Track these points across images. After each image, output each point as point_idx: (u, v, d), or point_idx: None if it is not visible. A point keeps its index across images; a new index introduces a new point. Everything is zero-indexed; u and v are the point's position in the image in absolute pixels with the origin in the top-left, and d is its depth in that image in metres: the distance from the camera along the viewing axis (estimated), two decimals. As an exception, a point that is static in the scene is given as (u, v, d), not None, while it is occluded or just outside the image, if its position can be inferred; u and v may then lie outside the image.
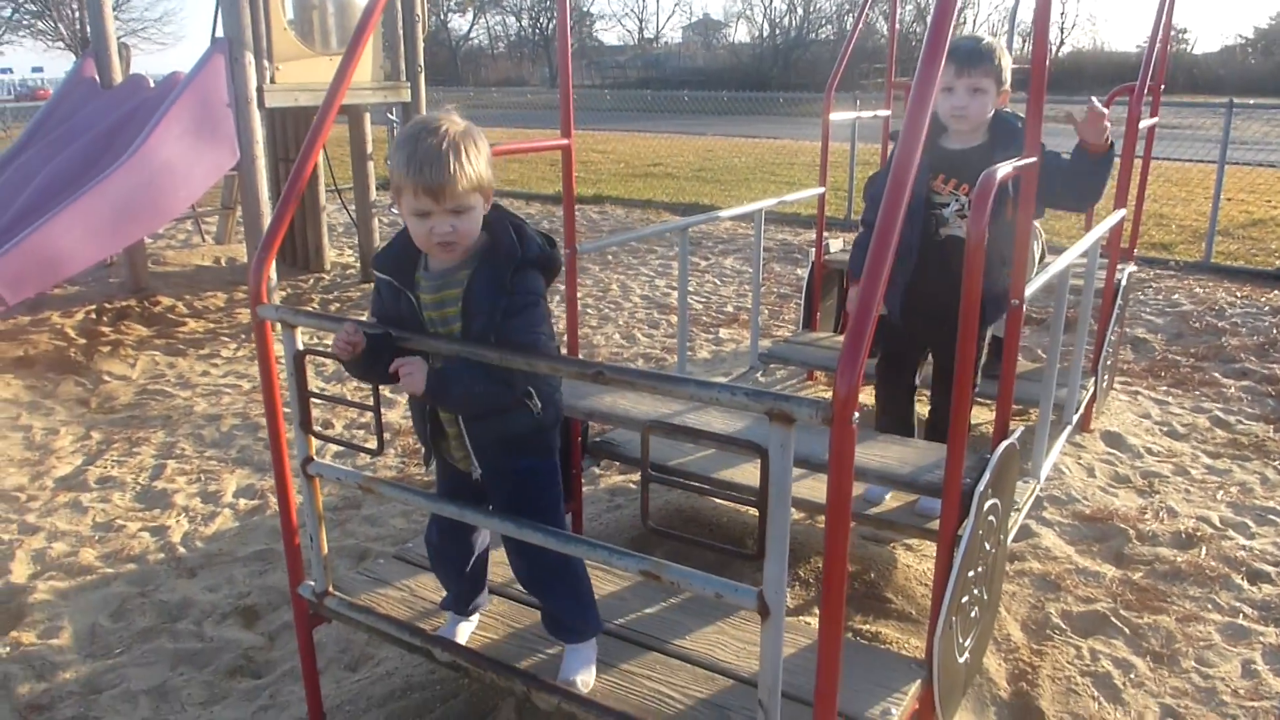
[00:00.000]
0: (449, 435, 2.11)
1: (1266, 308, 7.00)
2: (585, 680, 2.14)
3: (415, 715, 2.46)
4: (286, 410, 2.20)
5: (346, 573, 2.74)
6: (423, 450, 2.20)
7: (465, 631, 2.34)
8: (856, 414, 1.54)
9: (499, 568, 2.45)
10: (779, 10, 53.27)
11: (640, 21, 60.73)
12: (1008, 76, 2.92)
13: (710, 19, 61.99)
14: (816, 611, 2.95)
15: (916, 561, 3.26)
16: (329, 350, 2.00)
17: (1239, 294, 7.43)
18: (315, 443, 2.26)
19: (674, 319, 6.42)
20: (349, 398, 4.74)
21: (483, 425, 2.06)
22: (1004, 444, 2.39)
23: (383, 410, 4.36)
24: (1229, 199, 10.57)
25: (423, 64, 7.36)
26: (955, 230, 2.91)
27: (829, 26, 49.54)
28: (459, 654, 2.21)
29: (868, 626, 2.86)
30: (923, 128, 1.66)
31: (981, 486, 2.22)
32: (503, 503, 2.13)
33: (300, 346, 2.16)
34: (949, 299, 2.27)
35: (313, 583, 2.40)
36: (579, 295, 7.08)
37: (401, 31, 7.16)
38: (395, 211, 8.22)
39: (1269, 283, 7.91)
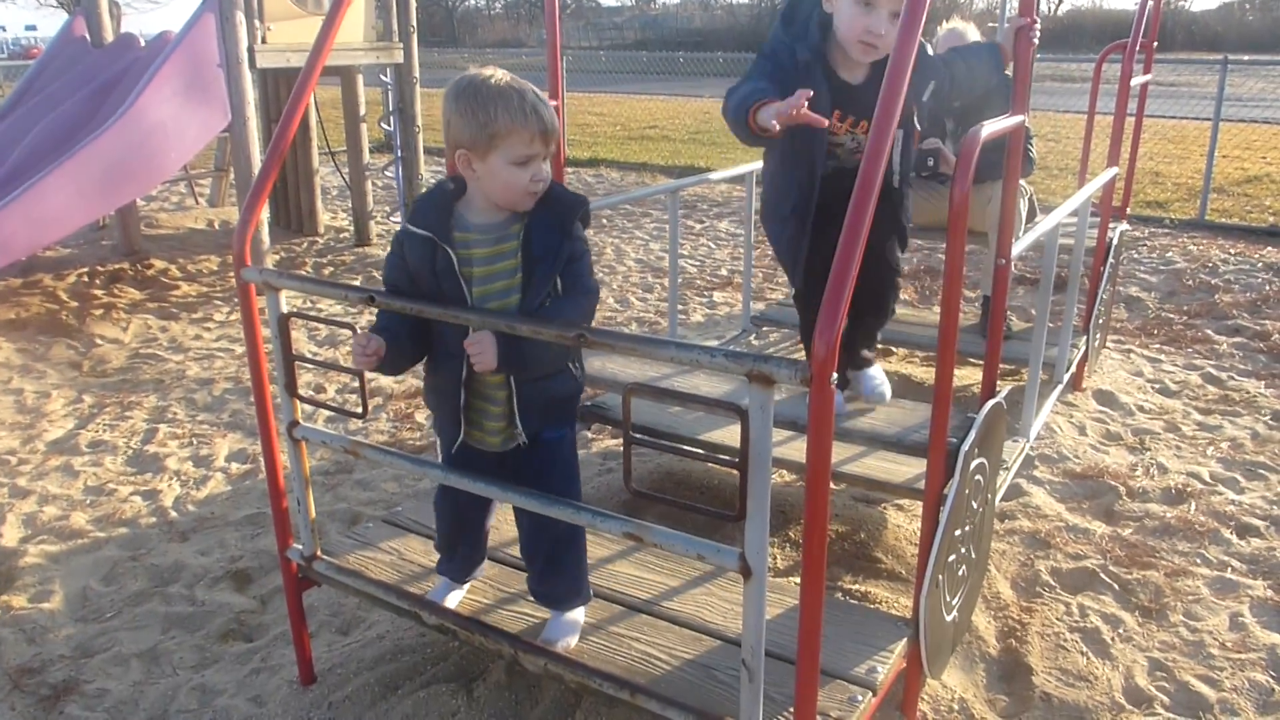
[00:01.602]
0: (490, 405, 2.04)
1: (1260, 264, 6.98)
2: (567, 645, 2.15)
3: (405, 678, 2.47)
4: (276, 374, 2.19)
5: (337, 536, 2.75)
6: (445, 431, 2.13)
7: (456, 597, 2.35)
8: (835, 375, 1.54)
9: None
10: (776, -32, 52.41)
11: (637, -19, 59.82)
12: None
13: (708, -22, 61.07)
14: (806, 571, 2.96)
15: (907, 521, 3.27)
16: (319, 316, 1.99)
17: (1232, 251, 7.41)
18: (305, 407, 2.25)
19: (668, 282, 6.40)
20: (341, 362, 4.73)
21: (533, 389, 2.02)
22: (990, 403, 2.39)
23: (370, 375, 4.36)
24: (1224, 156, 10.51)
25: (416, 24, 7.27)
26: (848, 164, 2.62)
27: (826, -16, 48.92)
28: (447, 618, 2.22)
29: (857, 586, 2.88)
30: (910, 57, 1.64)
31: (967, 446, 2.22)
32: (533, 475, 2.08)
33: (285, 309, 2.14)
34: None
35: (300, 546, 2.41)
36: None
37: (392, -10, 7.07)
38: (389, 174, 8.20)
39: (1262, 239, 7.89)
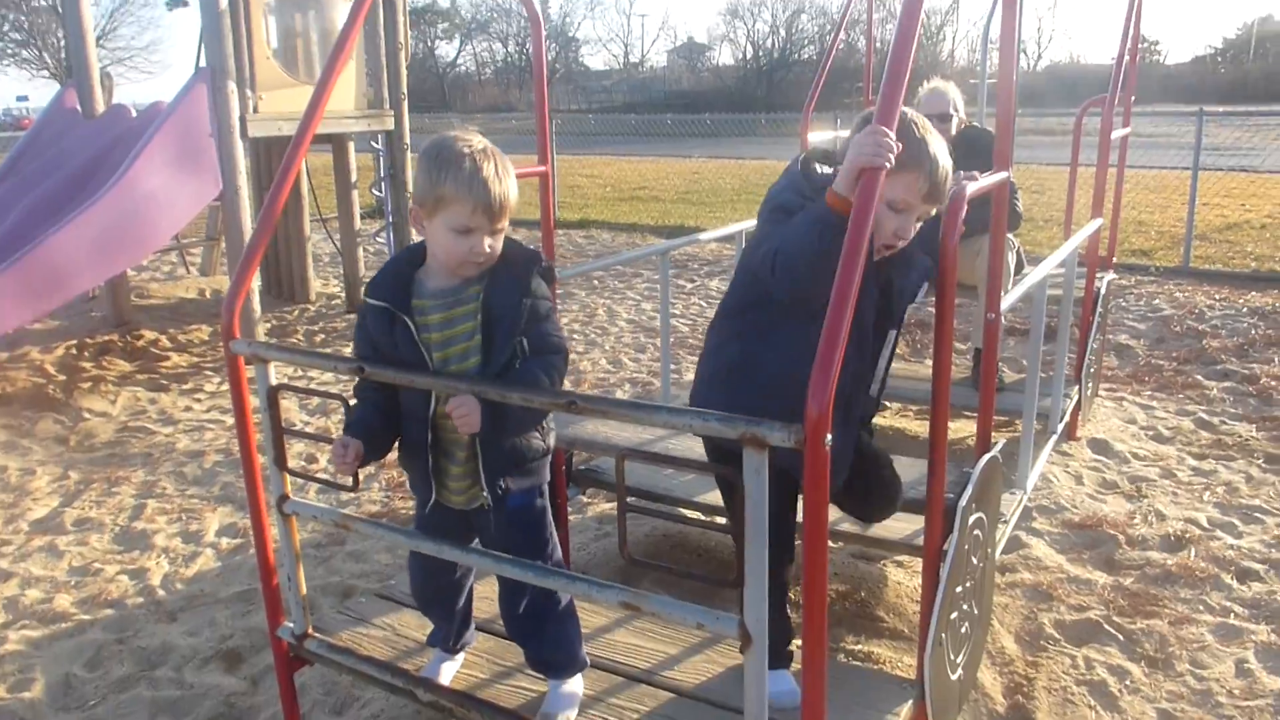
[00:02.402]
0: (451, 465, 2.05)
1: (1245, 309, 7.03)
2: (566, 718, 2.10)
3: (401, 755, 2.41)
4: (266, 447, 2.16)
5: (329, 612, 2.70)
6: (419, 490, 2.13)
7: (450, 670, 2.30)
8: (829, 436, 1.53)
9: (481, 603, 2.42)
10: (762, 32, 53.48)
11: (625, 46, 61.15)
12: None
13: (694, 42, 62.34)
14: (807, 632, 2.91)
15: (907, 578, 3.24)
16: (309, 388, 1.99)
17: (1217, 296, 7.47)
18: (296, 479, 2.23)
19: (660, 342, 6.40)
20: (332, 433, 4.70)
21: (498, 451, 2.02)
22: (985, 457, 2.38)
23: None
24: (1205, 204, 10.65)
25: (406, 91, 7.37)
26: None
27: (811, 47, 49.91)
28: (443, 695, 2.17)
29: (860, 646, 2.83)
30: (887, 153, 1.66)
31: (964, 501, 2.20)
32: (500, 535, 2.08)
33: (274, 381, 2.13)
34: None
35: (292, 624, 2.36)
36: (566, 321, 7.10)
37: (384, 59, 7.17)
38: (381, 239, 8.24)
39: (1246, 284, 7.96)
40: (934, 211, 2.11)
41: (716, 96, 44.18)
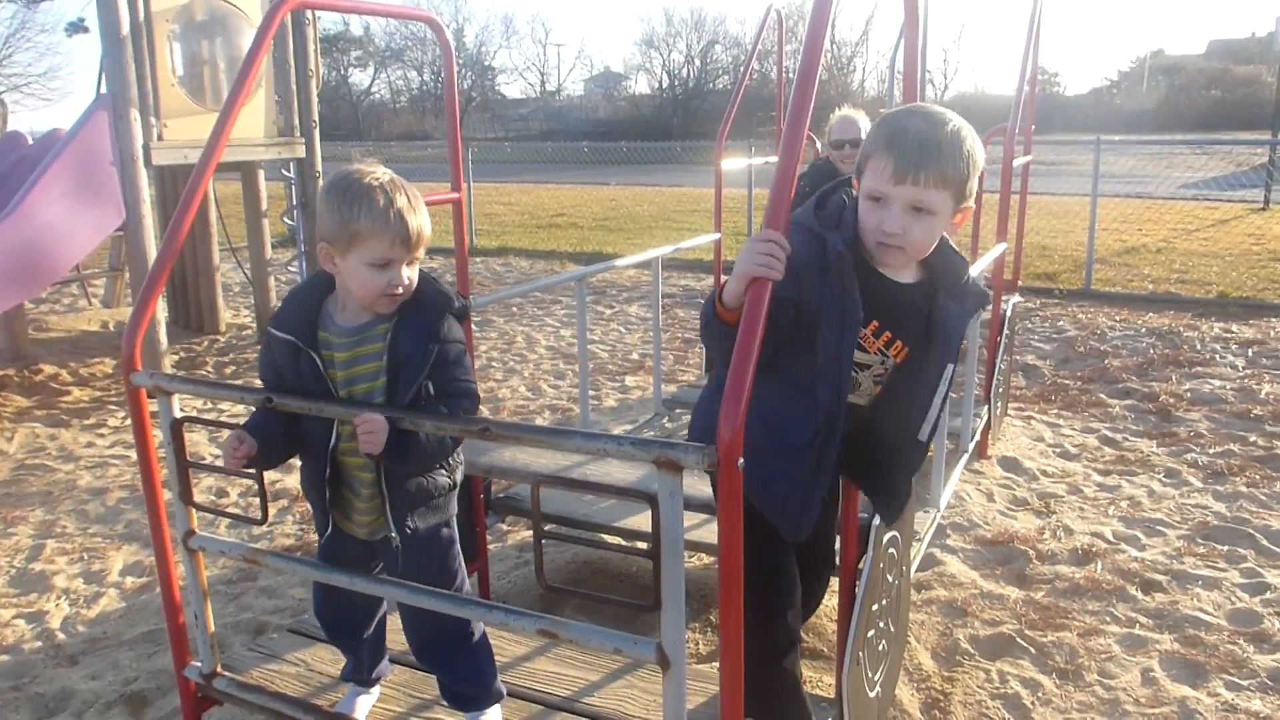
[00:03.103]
0: (356, 500, 2.01)
1: (1144, 329, 7.34)
2: None
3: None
4: (170, 481, 2.09)
5: (240, 650, 2.61)
6: (318, 518, 2.09)
7: (366, 705, 2.24)
8: (741, 459, 1.54)
9: (398, 634, 2.37)
10: (677, 62, 54.20)
11: (542, 75, 61.09)
12: (975, 187, 1.85)
13: (611, 72, 62.84)
14: (728, 655, 2.92)
15: (828, 598, 3.26)
16: (216, 420, 1.93)
17: (1118, 318, 7.79)
18: (206, 514, 2.16)
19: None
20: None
21: (404, 490, 1.98)
22: (899, 476, 2.42)
23: (280, 476, 4.19)
24: (1104, 229, 11.12)
25: (318, 119, 7.27)
26: (859, 397, 1.99)
27: (725, 77, 50.75)
28: (356, 728, 2.12)
29: (780, 667, 2.85)
30: (788, 188, 1.67)
31: (878, 520, 2.23)
32: (406, 569, 2.03)
33: (178, 414, 2.07)
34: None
35: (199, 663, 2.28)
36: (484, 349, 7.05)
37: (294, 86, 7.06)
38: (293, 268, 8.08)
39: (1143, 305, 8.32)
40: (937, 212, 1.80)
41: (633, 125, 44.61)
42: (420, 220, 1.87)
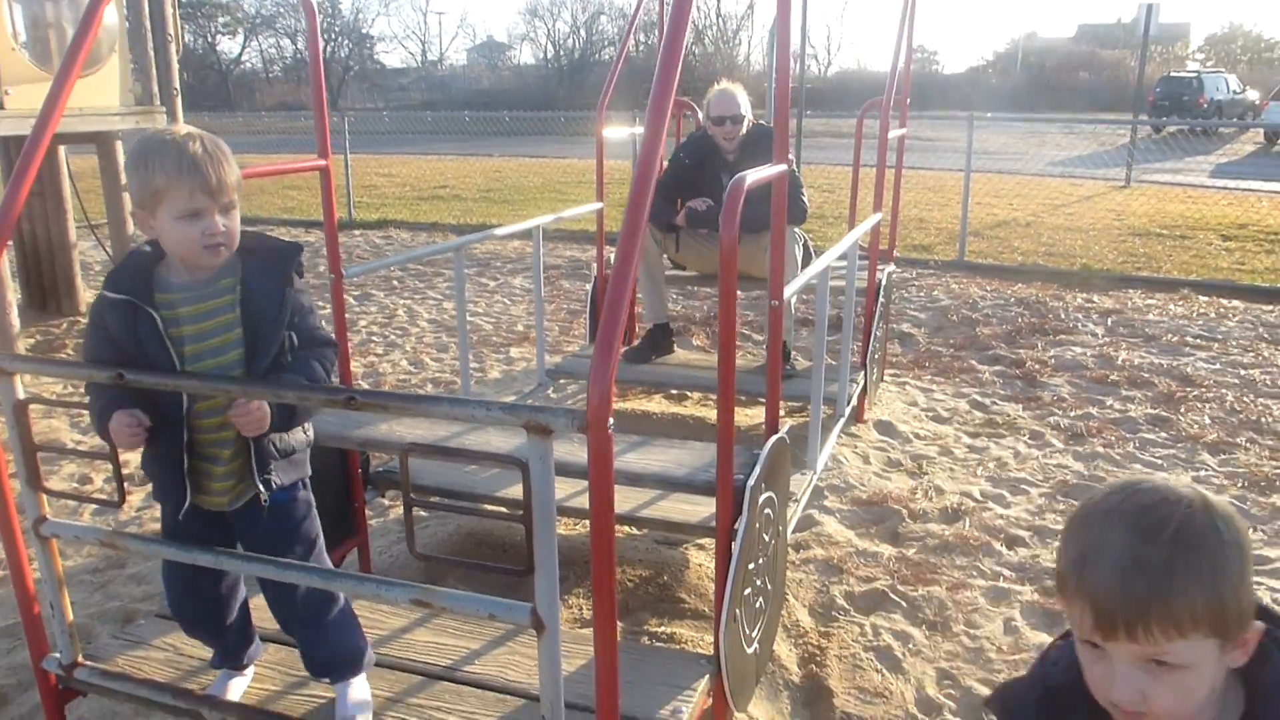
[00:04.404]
0: (215, 466, 1.94)
1: (1012, 299, 7.68)
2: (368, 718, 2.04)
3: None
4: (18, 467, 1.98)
5: (106, 639, 2.50)
6: (170, 495, 1.98)
7: (239, 686, 2.18)
8: (611, 419, 1.55)
9: (263, 611, 2.30)
10: (562, 32, 53.67)
11: (423, 44, 59.61)
12: (1247, 602, 1.09)
13: (494, 41, 61.83)
14: (612, 621, 2.95)
15: (708, 560, 3.33)
16: (59, 400, 1.83)
17: (989, 288, 8.12)
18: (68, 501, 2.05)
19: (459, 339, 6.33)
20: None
21: (266, 441, 1.94)
22: (773, 439, 2.48)
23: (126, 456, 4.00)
24: (978, 203, 11.54)
25: (179, 87, 6.93)
26: None
27: (610, 48, 50.52)
28: (230, 712, 2.06)
29: (663, 628, 2.89)
30: (654, 158, 1.69)
31: (753, 481, 2.29)
32: (268, 530, 2.00)
33: (21, 395, 1.95)
34: None
35: (58, 654, 2.18)
36: (364, 323, 6.89)
37: (153, 52, 6.71)
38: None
39: (1013, 276, 8.69)
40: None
41: (518, 95, 44.01)
42: (219, 167, 1.83)
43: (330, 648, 2.06)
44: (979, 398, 5.29)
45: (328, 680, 2.11)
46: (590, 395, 1.53)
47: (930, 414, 5.03)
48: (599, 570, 1.57)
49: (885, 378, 5.50)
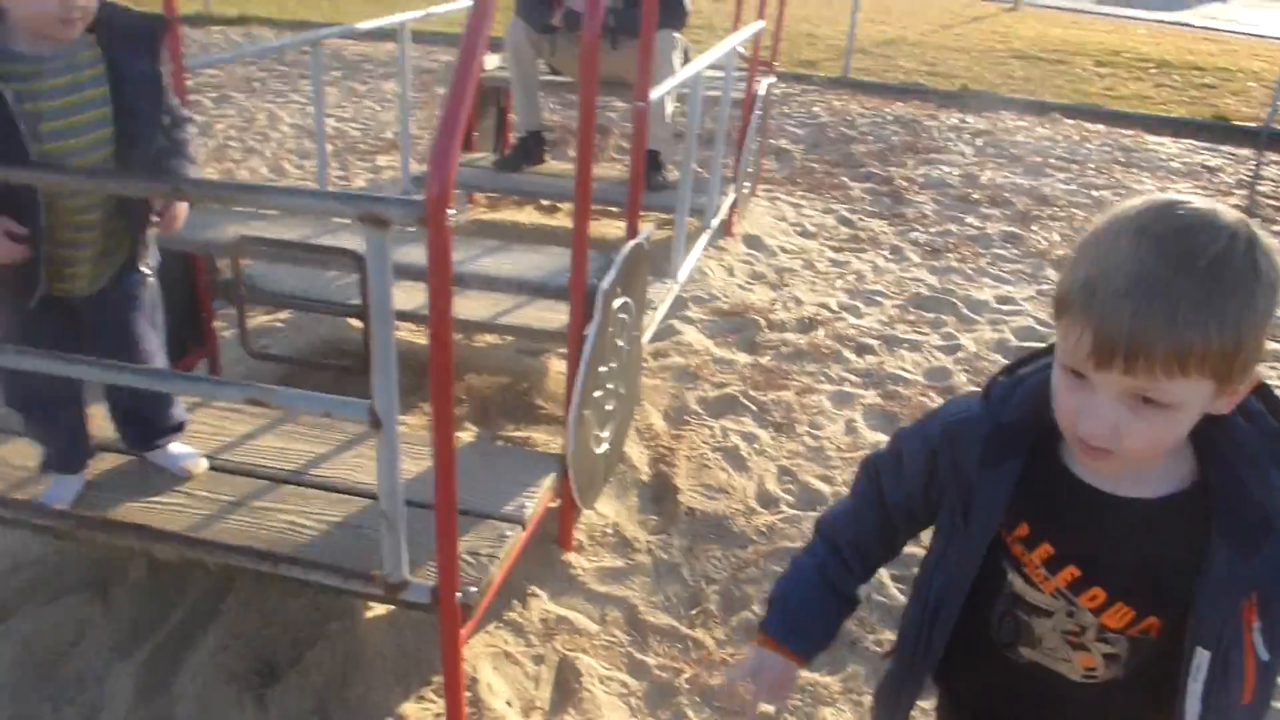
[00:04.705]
0: (78, 253, 1.86)
1: (890, 118, 7.72)
2: (194, 465, 2.15)
3: (25, 597, 2.24)
4: None
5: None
6: (24, 283, 1.86)
7: (72, 488, 2.13)
8: (452, 211, 1.51)
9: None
10: None
11: None
12: (1258, 349, 0.96)
13: None
14: (468, 426, 3.00)
15: (558, 362, 3.38)
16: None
17: (868, 106, 8.13)
18: None
19: (327, 148, 6.02)
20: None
21: (145, 231, 1.91)
22: (630, 244, 2.48)
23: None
24: (869, 20, 11.38)
25: None
26: (1052, 658, 1.16)
27: None
28: (60, 519, 2.01)
29: (519, 432, 2.96)
30: None
31: (606, 285, 2.29)
32: (123, 318, 1.98)
33: None
34: None
35: None
36: (221, 127, 6.46)
37: None
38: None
39: (894, 95, 8.71)
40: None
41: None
42: None
43: (153, 407, 2.09)
44: (847, 214, 5.38)
45: (150, 449, 2.15)
46: (429, 186, 1.48)
47: (798, 229, 5.11)
48: (437, 368, 1.56)
49: (758, 193, 5.52)
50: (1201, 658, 1.03)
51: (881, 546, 1.32)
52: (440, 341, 1.55)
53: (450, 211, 1.49)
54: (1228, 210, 0.92)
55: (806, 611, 1.31)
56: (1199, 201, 0.93)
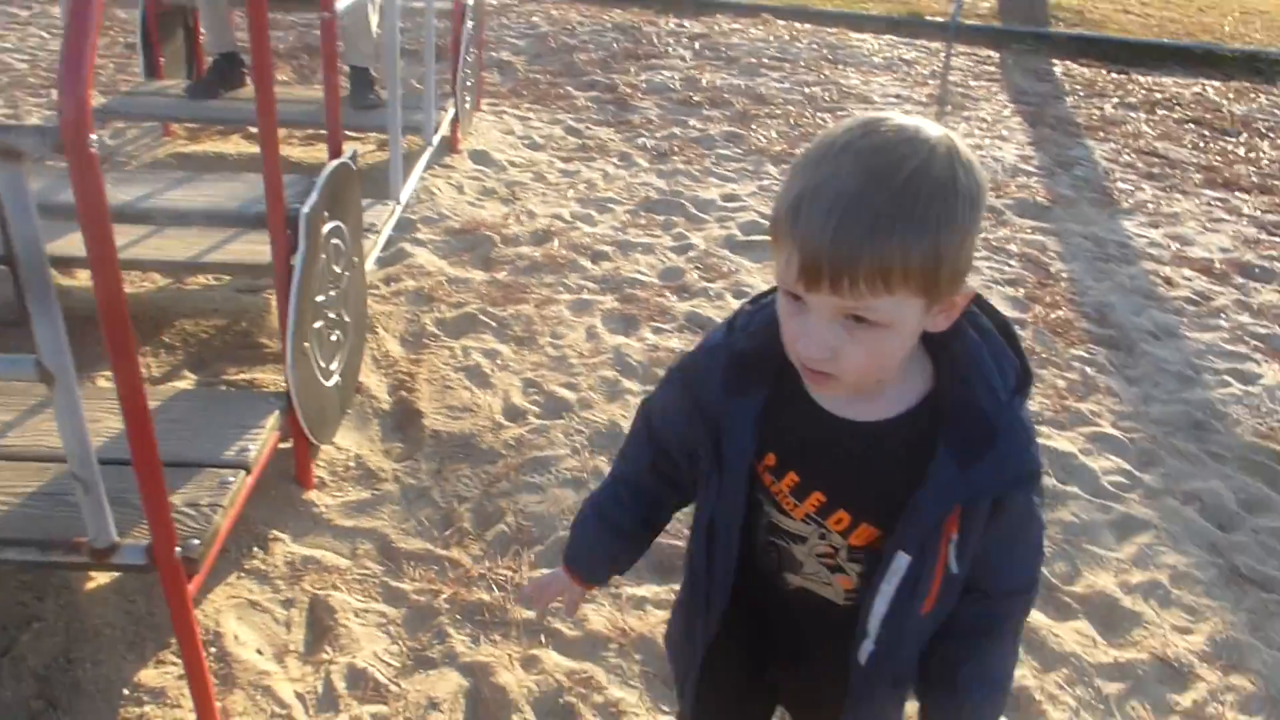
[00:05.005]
0: None
1: (609, 25, 7.74)
2: None
3: None
4: None
5: None
6: None
7: None
8: (94, 135, 1.36)
9: None
10: None
11: None
12: (965, 263, 0.97)
13: None
14: (186, 374, 2.79)
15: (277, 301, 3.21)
16: None
17: (587, 14, 8.10)
18: None
19: (-11, 83, 5.29)
20: None
21: None
22: (332, 165, 2.35)
23: None
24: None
25: None
26: (815, 582, 1.22)
27: None
28: None
29: (243, 375, 2.79)
30: None
31: (308, 209, 2.17)
32: None
33: None
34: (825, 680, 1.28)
35: None
36: None
37: None
38: None
39: (613, 2, 8.70)
40: None
41: None
42: None
43: None
44: (574, 123, 5.38)
45: None
46: (64, 107, 1.32)
47: (526, 141, 5.05)
48: (107, 309, 1.42)
49: (482, 107, 5.40)
50: (901, 561, 1.06)
51: (663, 483, 1.32)
52: (105, 280, 1.41)
53: (92, 137, 1.34)
54: (931, 125, 0.93)
55: (587, 543, 1.38)
56: (904, 118, 0.93)
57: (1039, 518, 1.12)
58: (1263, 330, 3.72)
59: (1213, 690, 2.14)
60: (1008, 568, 1.13)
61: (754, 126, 5.55)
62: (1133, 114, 6.56)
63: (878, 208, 0.87)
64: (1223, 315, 3.82)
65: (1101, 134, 6.04)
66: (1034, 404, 3.09)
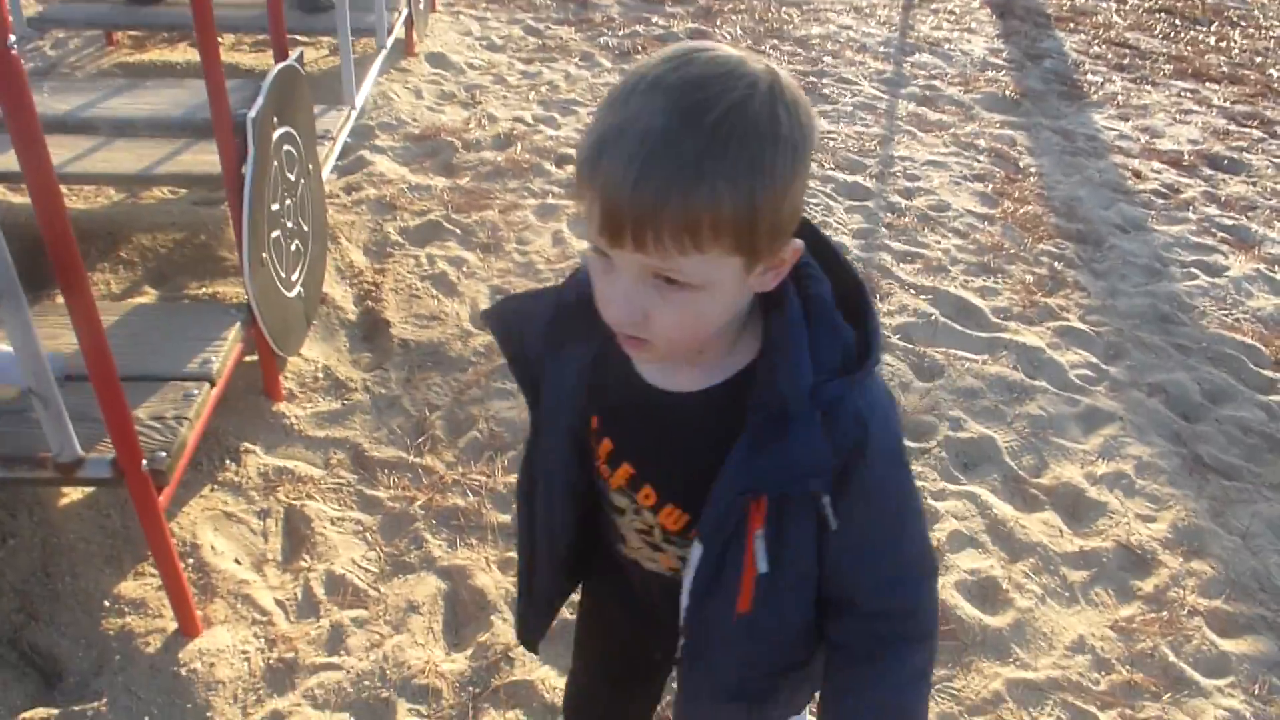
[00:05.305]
0: None
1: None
2: None
3: None
4: None
5: None
6: None
7: None
8: (13, 37, 1.30)
9: None
10: None
11: None
12: (790, 215, 0.85)
13: None
14: (147, 290, 2.75)
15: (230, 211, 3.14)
16: None
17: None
18: None
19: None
20: None
21: None
22: (277, 68, 2.27)
23: None
24: None
25: None
26: (643, 557, 1.13)
27: None
28: None
29: (205, 289, 2.74)
30: None
31: (254, 114, 2.10)
32: None
33: None
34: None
35: None
36: None
37: None
38: None
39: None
40: None
41: None
42: None
43: None
44: (533, 23, 5.22)
45: None
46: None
47: (485, 43, 4.90)
48: (48, 225, 1.38)
49: (438, 8, 5.22)
50: (696, 551, 0.96)
51: None
52: (41, 191, 1.37)
53: (12, 38, 1.28)
54: (754, 59, 0.79)
55: None
56: (724, 50, 0.79)
57: (907, 523, 0.99)
58: (1230, 222, 3.74)
59: (1174, 575, 2.21)
60: (869, 579, 0.98)
61: (719, 23, 5.42)
62: (1104, 3, 6.46)
63: (684, 154, 0.74)
64: (1191, 208, 3.83)
65: (1072, 25, 5.95)
66: (1003, 300, 3.11)
